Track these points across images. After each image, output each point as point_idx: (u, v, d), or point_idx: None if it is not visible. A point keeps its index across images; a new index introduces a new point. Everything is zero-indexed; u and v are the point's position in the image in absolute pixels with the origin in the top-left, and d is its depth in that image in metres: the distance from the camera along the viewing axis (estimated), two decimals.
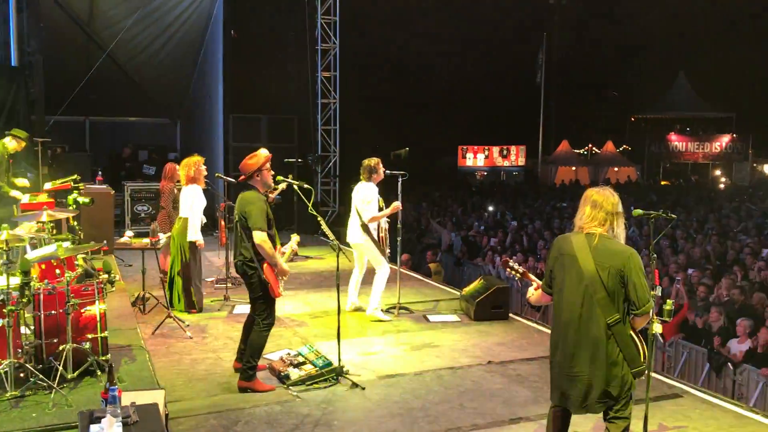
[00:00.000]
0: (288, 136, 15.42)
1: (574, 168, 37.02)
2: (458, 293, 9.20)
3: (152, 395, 4.50)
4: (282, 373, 6.05)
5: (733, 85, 37.36)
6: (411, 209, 20.23)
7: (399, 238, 8.57)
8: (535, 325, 8.22)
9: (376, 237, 7.88)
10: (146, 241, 8.05)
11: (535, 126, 35.92)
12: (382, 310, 8.09)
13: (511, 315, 8.43)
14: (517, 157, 39.49)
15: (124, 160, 15.85)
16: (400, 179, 8.23)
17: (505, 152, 39.54)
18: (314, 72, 15.86)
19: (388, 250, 8.13)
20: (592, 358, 3.82)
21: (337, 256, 5.92)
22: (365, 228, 7.76)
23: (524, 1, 37.78)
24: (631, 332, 3.85)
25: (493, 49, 38.68)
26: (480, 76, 39.00)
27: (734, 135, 38.11)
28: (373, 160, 7.99)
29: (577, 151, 39.26)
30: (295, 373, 6.02)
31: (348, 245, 8.22)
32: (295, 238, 6.36)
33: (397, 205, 7.96)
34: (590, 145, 39.80)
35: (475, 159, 39.47)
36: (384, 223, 8.05)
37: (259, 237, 5.52)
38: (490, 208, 22.03)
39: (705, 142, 38.58)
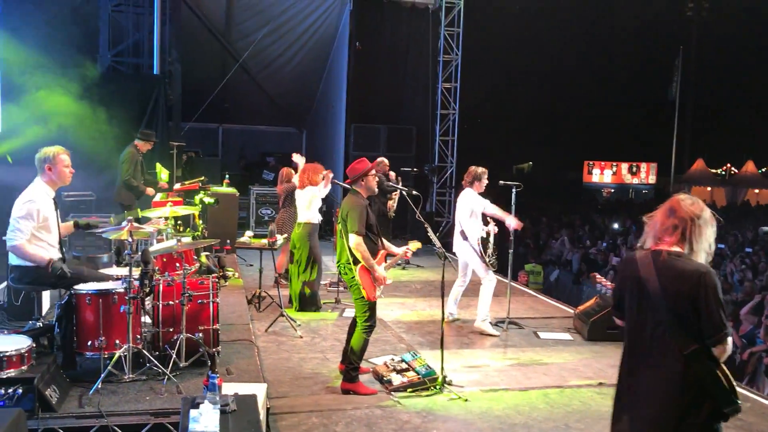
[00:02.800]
0: (406, 146, 15.55)
1: (709, 188, 34.86)
2: (572, 311, 8.87)
3: (255, 388, 4.63)
4: (385, 378, 6.06)
5: None
6: (529, 224, 19.80)
7: (511, 251, 8.38)
8: None
9: (478, 247, 7.74)
10: (264, 241, 8.34)
11: (668, 143, 34.17)
12: (490, 323, 7.93)
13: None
14: (647, 174, 37.78)
15: (254, 166, 16.65)
16: (514, 190, 8.07)
17: (634, 169, 37.93)
18: (435, 83, 15.93)
19: (493, 261, 7.96)
20: (662, 397, 3.22)
21: (443, 265, 5.88)
22: (464, 235, 7.63)
23: (661, 12, 36.07)
24: (715, 364, 3.17)
25: (626, 62, 37.28)
26: (610, 90, 37.69)
27: None
28: (479, 169, 7.89)
29: (714, 170, 36.97)
30: (397, 379, 6.01)
31: (455, 255, 8.14)
32: (414, 244, 6.36)
33: (508, 223, 7.79)
34: (728, 165, 37.35)
35: (601, 175, 38.12)
36: (489, 233, 7.94)
37: (354, 240, 5.60)
38: (615, 226, 21.16)
39: None
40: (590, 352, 7.38)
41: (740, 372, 8.85)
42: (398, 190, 9.49)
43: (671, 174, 35.14)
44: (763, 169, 37.09)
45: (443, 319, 6.04)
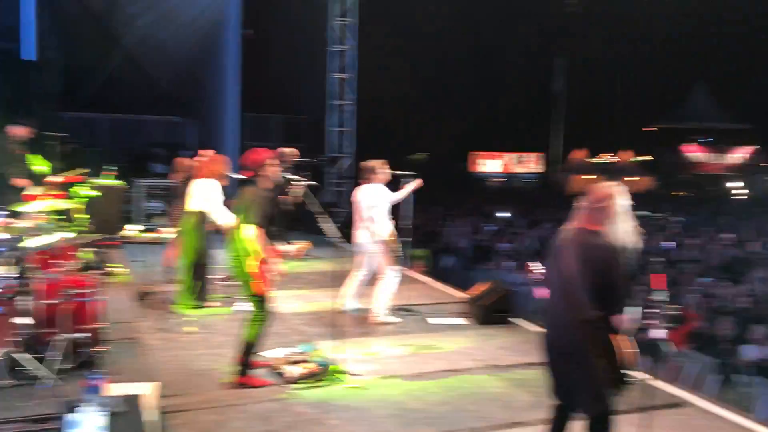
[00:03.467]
0: (301, 136, 15.43)
1: (589, 176, 36.75)
2: (465, 297, 9.10)
3: (145, 387, 4.46)
4: (280, 371, 5.99)
5: (754, 96, 36.89)
6: (422, 213, 20.14)
7: (406, 240, 8.49)
8: (538, 329, 8.09)
9: (382, 239, 7.79)
10: (153, 235, 8.03)
11: (553, 134, 35.76)
12: (387, 312, 8.00)
13: (516, 320, 8.32)
14: (534, 163, 39.31)
15: (139, 158, 15.95)
16: (406, 180, 8.16)
17: (521, 159, 39.36)
18: (329, 73, 15.85)
19: (396, 253, 8.05)
20: (572, 355, 3.81)
21: (339, 257, 5.88)
22: (370, 228, 7.67)
23: (541, 8, 37.50)
24: (615, 334, 3.74)
25: (511, 56, 38.49)
26: (496, 82, 38.81)
27: (757, 147, 37.65)
28: (370, 162, 7.91)
29: (593, 160, 39.01)
30: (294, 371, 5.96)
31: (354, 246, 8.15)
32: (304, 243, 6.31)
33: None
34: (606, 154, 39.51)
35: (490, 165, 39.34)
36: (390, 226, 7.98)
37: (253, 232, 5.49)
38: (504, 214, 21.91)
39: (724, 153, 38.15)
40: (482, 335, 7.60)
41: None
42: (299, 182, 9.38)
43: (554, 163, 36.85)
44: (638, 158, 39.55)
45: (337, 308, 6.04)
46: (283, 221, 9.06)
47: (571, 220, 4.01)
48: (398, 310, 8.27)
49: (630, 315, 3.73)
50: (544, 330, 4.13)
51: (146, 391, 4.28)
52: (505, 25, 37.17)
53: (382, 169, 7.86)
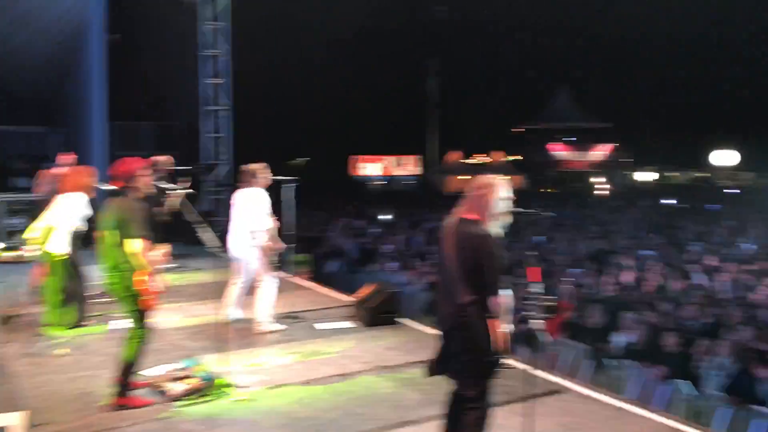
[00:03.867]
0: (174, 144, 14.92)
1: (464, 177, 38.00)
2: (351, 300, 9.12)
3: (10, 418, 4.12)
4: (162, 389, 5.75)
5: (613, 97, 39.55)
6: (304, 217, 20.05)
7: (289, 246, 8.39)
8: (426, 328, 8.25)
9: (261, 245, 7.64)
10: (16, 254, 7.47)
11: (429, 137, 36.68)
12: (271, 320, 7.87)
13: (403, 320, 8.43)
14: (412, 166, 40.10)
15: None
16: (287, 186, 8.08)
17: (400, 162, 40.04)
18: (201, 78, 15.43)
19: (274, 259, 7.93)
20: (454, 337, 4.05)
21: (219, 267, 5.72)
22: (250, 235, 7.51)
23: (416, 12, 38.44)
24: (490, 318, 3.96)
25: (388, 61, 39.09)
26: (376, 87, 39.31)
27: (615, 144, 40.37)
28: (251, 166, 7.77)
29: (468, 161, 40.38)
30: (177, 387, 5.73)
31: (232, 255, 7.94)
32: (164, 246, 6.02)
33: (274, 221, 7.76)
34: (479, 154, 41.01)
35: (370, 168, 39.76)
36: (270, 231, 7.84)
37: (138, 245, 5.23)
38: (386, 216, 22.20)
39: (586, 151, 40.62)
40: (369, 338, 7.65)
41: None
42: (174, 191, 9.02)
43: (430, 165, 37.83)
44: (509, 158, 41.33)
45: (223, 321, 5.87)
46: (159, 233, 8.68)
47: (454, 211, 4.21)
48: (284, 317, 8.16)
49: (504, 298, 3.97)
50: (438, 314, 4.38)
51: (12, 421, 3.95)
52: (380, 30, 37.77)
53: (262, 173, 7.72)
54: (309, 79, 37.55)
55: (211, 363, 6.15)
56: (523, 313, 4.45)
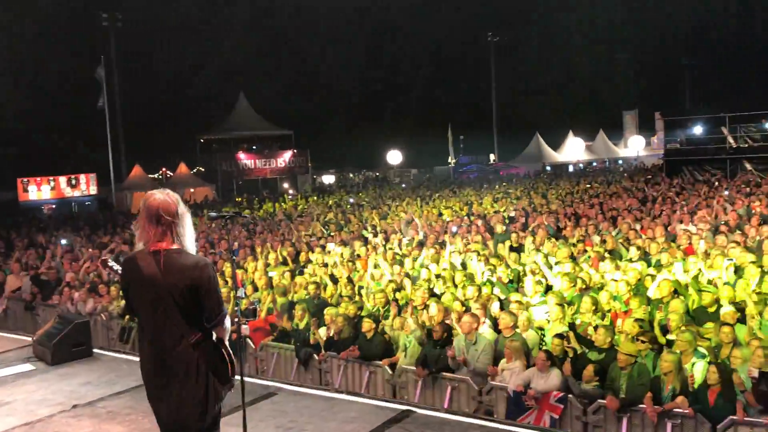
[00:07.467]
0: None
1: (149, 192, 36.31)
2: (30, 339, 8.11)
3: None
4: None
5: (289, 105, 41.22)
6: None
7: None
8: (123, 356, 7.69)
9: None
10: None
11: (104, 152, 34.24)
12: None
13: (96, 350, 7.75)
14: (87, 185, 37.02)
15: None
16: None
17: (74, 182, 36.73)
18: None
19: None
20: (182, 380, 3.53)
21: None
22: None
23: (80, 21, 35.63)
24: (220, 346, 3.65)
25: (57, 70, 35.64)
26: (43, 104, 35.57)
27: (295, 150, 42.07)
28: None
29: (152, 175, 38.71)
30: None
31: None
32: None
33: None
34: (164, 169, 39.60)
35: (39, 191, 35.79)
36: None
37: None
38: (63, 242, 20.13)
39: (270, 159, 41.71)
40: (57, 376, 6.90)
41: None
42: None
43: (111, 183, 35.41)
44: (194, 170, 40.57)
45: None
46: None
47: (142, 242, 3.59)
48: None
49: (228, 323, 3.66)
50: (143, 356, 3.67)
51: None
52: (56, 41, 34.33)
53: None
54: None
55: None
56: (235, 320, 4.26)
